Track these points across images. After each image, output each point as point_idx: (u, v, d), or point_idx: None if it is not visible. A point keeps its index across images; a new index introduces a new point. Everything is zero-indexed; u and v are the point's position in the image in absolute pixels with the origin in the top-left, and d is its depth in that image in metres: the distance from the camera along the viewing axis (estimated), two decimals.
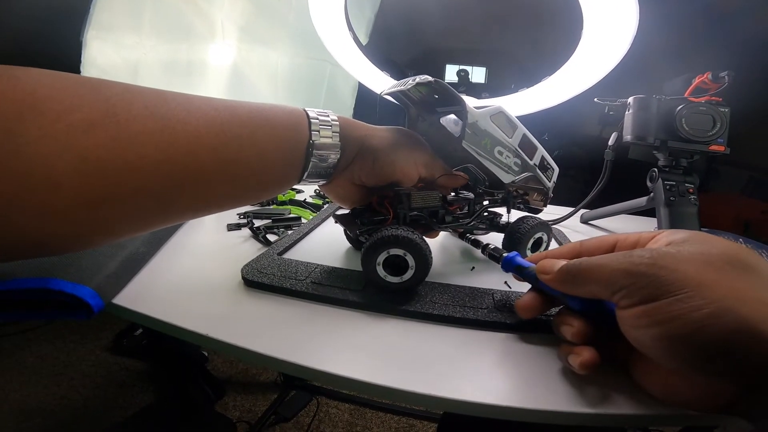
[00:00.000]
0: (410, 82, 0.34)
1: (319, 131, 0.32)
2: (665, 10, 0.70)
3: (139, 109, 0.23)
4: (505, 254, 0.32)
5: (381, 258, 0.32)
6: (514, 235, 0.40)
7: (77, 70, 0.74)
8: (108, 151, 0.22)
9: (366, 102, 1.10)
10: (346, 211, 0.41)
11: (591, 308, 0.25)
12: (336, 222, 0.40)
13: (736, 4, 0.89)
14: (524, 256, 0.40)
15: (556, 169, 0.42)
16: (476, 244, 0.39)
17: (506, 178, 0.38)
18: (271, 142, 0.30)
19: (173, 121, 0.25)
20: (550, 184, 0.41)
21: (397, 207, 0.36)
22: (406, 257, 0.32)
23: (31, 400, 1.13)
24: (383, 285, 0.33)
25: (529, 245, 0.40)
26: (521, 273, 0.30)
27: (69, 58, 0.75)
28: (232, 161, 0.28)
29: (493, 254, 0.35)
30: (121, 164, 0.22)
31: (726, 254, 0.20)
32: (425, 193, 0.37)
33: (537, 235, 0.40)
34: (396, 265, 0.32)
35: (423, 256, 0.32)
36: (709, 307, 0.18)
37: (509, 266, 0.31)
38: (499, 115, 0.37)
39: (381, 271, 0.32)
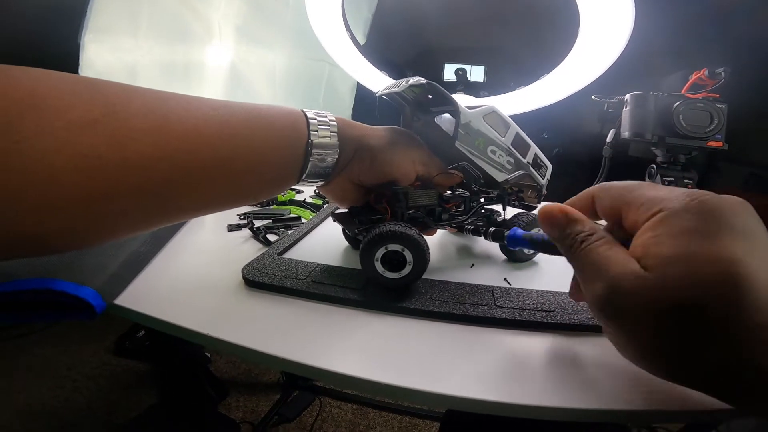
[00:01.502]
0: (404, 83, 0.35)
1: (317, 131, 0.33)
2: (662, 5, 0.71)
3: (138, 107, 0.24)
4: (507, 232, 0.33)
5: (379, 254, 0.32)
6: None
7: (76, 71, 0.74)
8: (107, 147, 0.22)
9: (365, 101, 1.10)
10: (345, 210, 0.41)
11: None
12: (334, 221, 0.41)
13: (734, 1, 0.89)
14: (521, 252, 0.41)
15: (550, 166, 0.42)
16: (477, 231, 0.40)
17: (500, 176, 0.38)
18: (270, 141, 0.31)
19: (172, 119, 0.25)
20: (543, 181, 0.42)
21: (394, 205, 0.36)
22: (404, 253, 0.32)
23: (35, 401, 1.14)
24: (382, 281, 0.33)
25: None
26: (529, 242, 0.31)
27: (69, 56, 0.75)
28: (230, 159, 0.28)
29: (496, 235, 0.37)
30: (119, 161, 0.22)
31: None
32: (422, 192, 0.37)
33: (533, 231, 0.41)
34: (394, 261, 0.32)
35: (421, 252, 0.32)
36: None
37: (515, 240, 0.32)
38: (492, 114, 0.37)
39: (379, 267, 0.32)
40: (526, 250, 0.41)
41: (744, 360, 0.17)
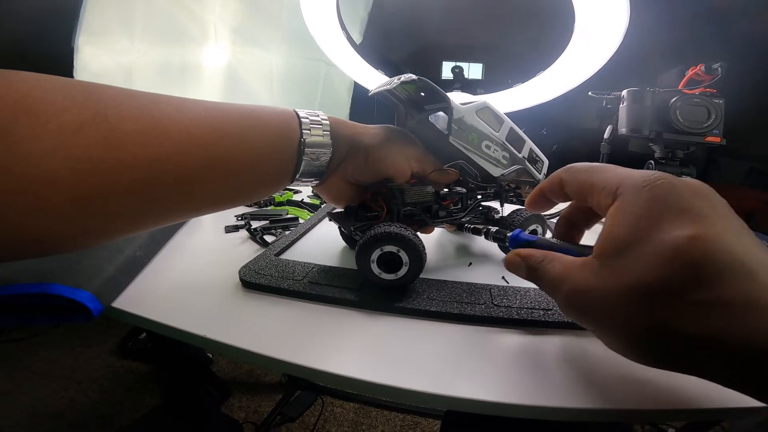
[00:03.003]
0: (395, 80, 0.35)
1: (310, 130, 0.33)
2: (658, 1, 0.70)
3: (130, 109, 0.24)
4: (509, 233, 0.32)
5: (375, 255, 0.32)
6: (509, 228, 0.40)
7: (71, 72, 0.74)
8: (100, 149, 0.22)
9: (362, 100, 1.10)
10: (341, 210, 0.41)
11: None
12: (330, 220, 0.41)
13: None
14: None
15: (546, 161, 0.42)
16: (477, 231, 0.39)
17: (495, 171, 0.38)
18: (263, 141, 0.31)
19: (164, 120, 0.25)
20: (540, 176, 0.41)
21: (390, 203, 0.36)
22: (400, 254, 0.32)
23: (40, 403, 1.14)
24: (378, 282, 0.33)
25: None
26: (530, 246, 0.30)
27: (65, 56, 0.75)
28: (223, 159, 0.28)
29: (497, 236, 0.36)
30: (113, 162, 0.23)
31: None
32: (418, 189, 0.37)
33: (531, 227, 0.41)
34: (390, 262, 0.32)
35: (416, 252, 0.32)
36: None
37: (517, 243, 0.31)
38: (485, 110, 0.37)
39: (375, 268, 0.32)
40: None
41: (709, 336, 0.17)
